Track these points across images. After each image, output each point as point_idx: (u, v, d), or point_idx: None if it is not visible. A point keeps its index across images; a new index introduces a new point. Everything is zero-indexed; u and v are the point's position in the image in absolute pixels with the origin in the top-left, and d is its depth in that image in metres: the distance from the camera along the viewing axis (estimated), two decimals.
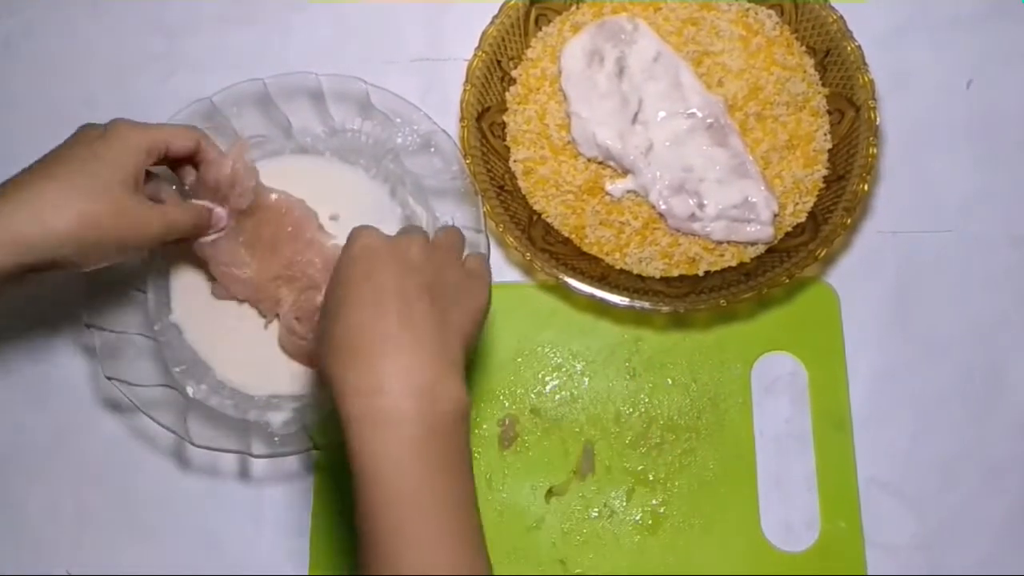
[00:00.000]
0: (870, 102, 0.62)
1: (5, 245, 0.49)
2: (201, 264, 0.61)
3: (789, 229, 0.63)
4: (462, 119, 0.64)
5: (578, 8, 0.68)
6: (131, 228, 0.52)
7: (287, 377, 0.60)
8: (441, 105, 0.65)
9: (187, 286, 0.62)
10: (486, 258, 0.56)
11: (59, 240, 0.50)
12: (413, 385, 0.44)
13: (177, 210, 0.56)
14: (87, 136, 0.53)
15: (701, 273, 0.63)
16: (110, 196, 0.51)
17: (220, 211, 0.59)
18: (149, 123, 0.55)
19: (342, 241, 0.50)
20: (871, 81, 0.63)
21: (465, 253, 0.54)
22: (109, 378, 0.58)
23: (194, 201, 0.58)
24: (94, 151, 0.52)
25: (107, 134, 0.53)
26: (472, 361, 0.62)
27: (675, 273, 0.63)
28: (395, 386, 0.44)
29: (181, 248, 0.60)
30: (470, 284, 0.51)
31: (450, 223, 0.62)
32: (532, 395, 0.62)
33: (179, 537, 0.61)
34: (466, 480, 0.45)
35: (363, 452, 0.43)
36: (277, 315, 0.61)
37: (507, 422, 0.62)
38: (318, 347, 0.48)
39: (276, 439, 0.58)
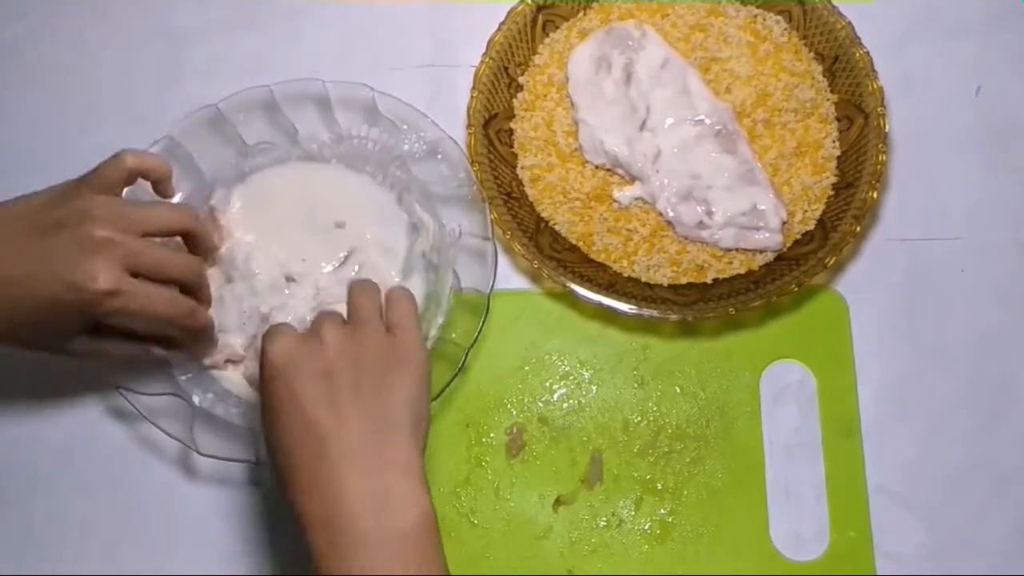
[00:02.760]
0: (879, 109, 0.62)
1: None
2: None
3: (798, 237, 0.63)
4: (469, 126, 0.64)
5: (585, 14, 0.67)
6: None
7: None
8: (448, 112, 0.65)
9: None
10: (407, 296, 0.53)
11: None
12: (367, 506, 0.44)
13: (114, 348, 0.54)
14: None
15: (709, 281, 0.62)
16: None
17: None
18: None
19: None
20: (880, 88, 0.62)
21: (381, 296, 0.52)
22: (115, 387, 0.57)
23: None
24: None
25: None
26: (479, 369, 0.62)
27: (683, 281, 0.63)
28: (348, 511, 0.44)
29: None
30: (400, 346, 0.49)
31: (457, 230, 0.61)
32: (540, 403, 0.62)
33: (185, 546, 0.61)
34: None
35: None
36: None
37: (515, 431, 0.61)
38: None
39: None
